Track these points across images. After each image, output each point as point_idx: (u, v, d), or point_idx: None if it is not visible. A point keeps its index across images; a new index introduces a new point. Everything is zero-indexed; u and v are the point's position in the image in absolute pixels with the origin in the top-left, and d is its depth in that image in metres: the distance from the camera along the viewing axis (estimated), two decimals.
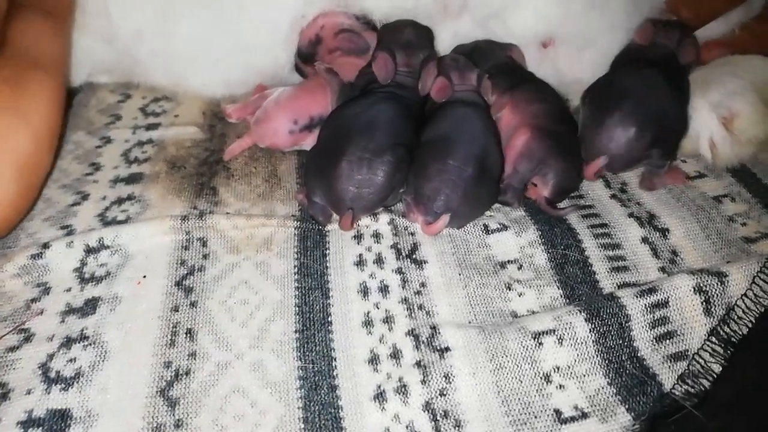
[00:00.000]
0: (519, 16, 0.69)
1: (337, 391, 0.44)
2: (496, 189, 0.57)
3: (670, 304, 0.47)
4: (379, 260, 0.53)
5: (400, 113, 0.58)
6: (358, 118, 0.57)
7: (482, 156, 0.54)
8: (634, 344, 0.46)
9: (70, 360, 0.46)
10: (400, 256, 0.54)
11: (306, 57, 0.71)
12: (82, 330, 0.48)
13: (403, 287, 0.51)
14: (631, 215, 0.57)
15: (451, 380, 0.44)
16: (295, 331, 0.48)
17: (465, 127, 0.56)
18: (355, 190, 0.53)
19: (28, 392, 0.43)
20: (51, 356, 0.46)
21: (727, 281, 0.48)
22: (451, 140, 0.55)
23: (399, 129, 0.57)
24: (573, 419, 0.42)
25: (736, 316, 0.47)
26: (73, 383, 0.44)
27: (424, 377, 0.44)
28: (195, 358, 0.46)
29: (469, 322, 0.48)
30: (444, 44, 0.72)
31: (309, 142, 0.64)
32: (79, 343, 0.47)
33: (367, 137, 0.54)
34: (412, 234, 0.56)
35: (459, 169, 0.53)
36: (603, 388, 0.44)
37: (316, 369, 0.45)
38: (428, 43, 0.67)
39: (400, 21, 0.68)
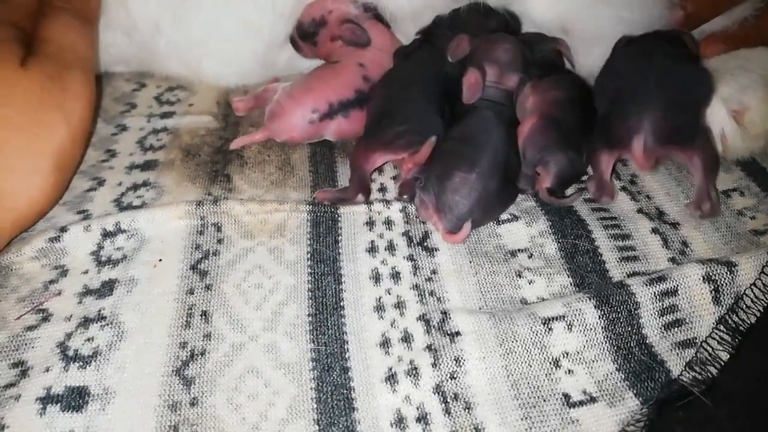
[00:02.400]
0: (535, 4, 0.69)
1: (349, 373, 0.45)
2: (514, 195, 0.57)
3: (679, 292, 0.48)
4: (390, 247, 0.54)
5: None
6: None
7: (506, 165, 0.55)
8: (643, 331, 0.46)
9: (88, 339, 0.46)
10: (412, 244, 0.55)
11: (306, 35, 0.71)
12: (100, 311, 0.49)
13: (414, 274, 0.52)
14: (640, 211, 0.57)
15: (461, 364, 0.45)
16: (308, 315, 0.48)
17: (492, 134, 0.55)
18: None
19: (47, 370, 0.44)
20: (69, 335, 0.47)
21: (737, 271, 0.48)
22: (478, 147, 0.54)
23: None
24: (581, 403, 0.43)
25: (744, 305, 0.48)
26: (90, 362, 0.45)
27: (434, 360, 0.45)
28: (210, 339, 0.47)
29: (480, 308, 0.49)
30: None
31: (331, 131, 0.64)
32: (96, 323, 0.48)
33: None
34: (424, 222, 0.56)
35: (485, 181, 0.52)
36: (611, 373, 0.45)
37: (328, 351, 0.46)
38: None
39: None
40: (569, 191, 0.60)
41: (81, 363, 0.45)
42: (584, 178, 0.61)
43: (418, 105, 0.59)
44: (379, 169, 0.62)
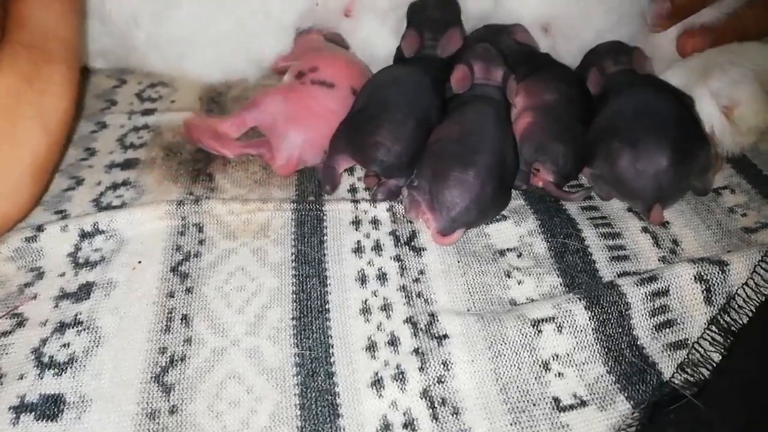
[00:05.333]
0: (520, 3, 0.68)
1: (334, 378, 0.43)
2: (508, 198, 0.56)
3: (670, 292, 0.47)
4: (377, 247, 0.53)
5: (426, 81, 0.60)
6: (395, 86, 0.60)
7: (502, 166, 0.53)
8: (634, 332, 0.45)
9: (64, 345, 0.45)
10: (399, 243, 0.53)
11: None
12: (76, 315, 0.47)
13: (401, 275, 0.51)
14: (630, 209, 0.56)
15: (449, 367, 0.44)
16: (292, 318, 0.47)
17: (487, 133, 0.54)
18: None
19: (21, 377, 0.43)
20: (44, 341, 0.45)
21: (728, 270, 0.47)
22: (474, 147, 0.53)
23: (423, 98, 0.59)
24: (572, 407, 0.42)
25: (736, 305, 0.47)
26: (66, 368, 0.43)
27: (422, 364, 0.44)
28: (190, 344, 0.45)
29: (468, 310, 0.48)
30: None
31: None
32: (72, 328, 0.46)
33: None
34: (411, 221, 0.55)
35: (482, 182, 0.51)
36: (602, 376, 0.44)
37: (313, 356, 0.45)
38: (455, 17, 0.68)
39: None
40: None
41: (56, 370, 0.43)
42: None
43: (394, 111, 0.56)
44: None
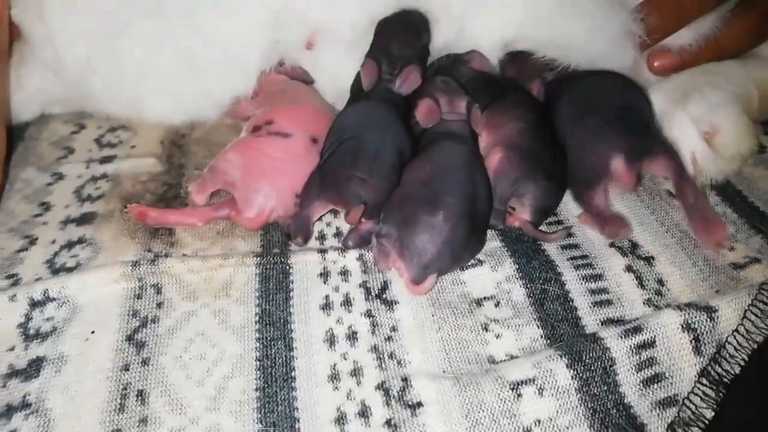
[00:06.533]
0: (482, 23, 0.65)
1: None
2: (483, 240, 0.53)
3: (657, 343, 0.44)
4: (346, 302, 0.50)
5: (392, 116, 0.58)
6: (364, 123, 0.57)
7: (474, 207, 0.51)
8: (620, 390, 0.43)
9: None
10: (370, 297, 0.50)
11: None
12: (25, 396, 0.44)
13: (372, 333, 0.48)
14: (612, 245, 0.54)
15: None
16: (256, 389, 0.44)
17: (457, 172, 0.52)
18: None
19: None
20: None
21: (717, 317, 0.45)
22: (443, 188, 0.50)
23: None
24: None
25: (727, 355, 0.44)
26: None
27: None
28: (146, 425, 0.42)
29: (443, 371, 0.45)
30: None
31: None
32: (20, 411, 0.43)
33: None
34: (382, 271, 0.52)
35: (452, 225, 0.48)
36: None
37: None
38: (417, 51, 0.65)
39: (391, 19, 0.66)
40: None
41: None
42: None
43: (368, 147, 0.54)
44: (335, 213, 0.58)
